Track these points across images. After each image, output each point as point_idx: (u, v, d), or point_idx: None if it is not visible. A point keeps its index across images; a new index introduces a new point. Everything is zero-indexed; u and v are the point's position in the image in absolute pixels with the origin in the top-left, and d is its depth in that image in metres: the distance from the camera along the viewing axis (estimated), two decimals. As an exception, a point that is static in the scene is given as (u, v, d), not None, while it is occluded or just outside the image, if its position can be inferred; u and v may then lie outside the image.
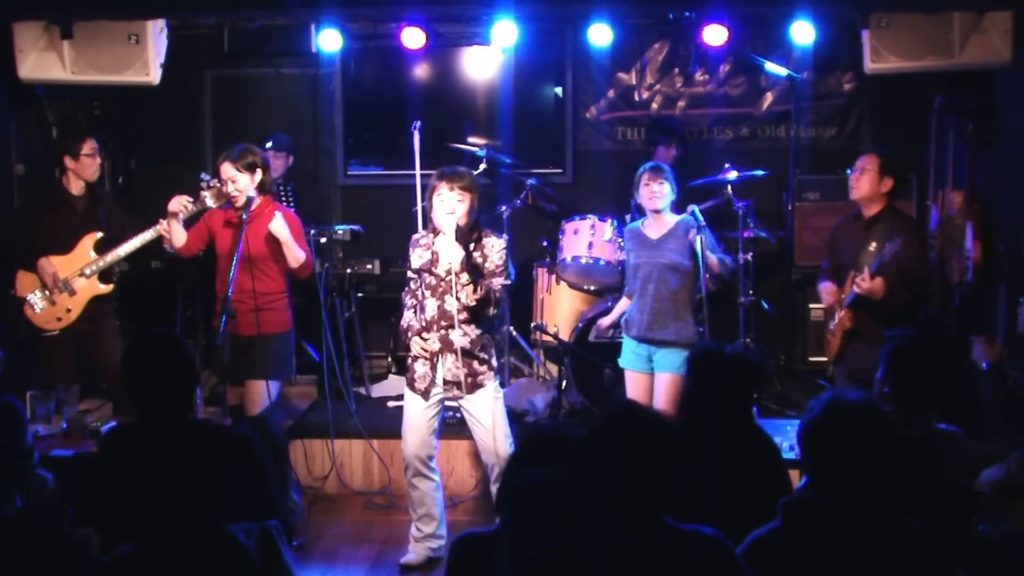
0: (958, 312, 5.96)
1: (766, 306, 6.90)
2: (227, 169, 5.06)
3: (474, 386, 4.76)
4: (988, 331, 4.73)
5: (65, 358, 5.53)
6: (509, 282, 4.83)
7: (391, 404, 6.59)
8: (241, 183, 5.04)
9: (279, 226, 4.99)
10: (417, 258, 4.79)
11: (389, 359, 7.32)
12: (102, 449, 3.62)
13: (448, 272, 4.63)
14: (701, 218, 5.22)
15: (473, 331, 4.74)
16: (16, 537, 2.70)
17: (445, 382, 4.76)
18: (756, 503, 3.13)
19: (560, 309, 6.69)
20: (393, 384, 7.02)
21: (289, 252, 5.03)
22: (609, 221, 6.32)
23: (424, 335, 4.75)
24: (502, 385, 6.55)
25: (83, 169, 5.51)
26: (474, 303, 4.63)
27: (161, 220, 5.22)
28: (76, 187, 5.54)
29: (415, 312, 4.82)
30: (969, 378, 5.32)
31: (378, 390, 6.92)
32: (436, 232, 4.71)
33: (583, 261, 6.28)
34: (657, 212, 5.23)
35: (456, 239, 4.60)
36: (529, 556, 2.48)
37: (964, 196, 5.97)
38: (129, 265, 6.11)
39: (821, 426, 2.66)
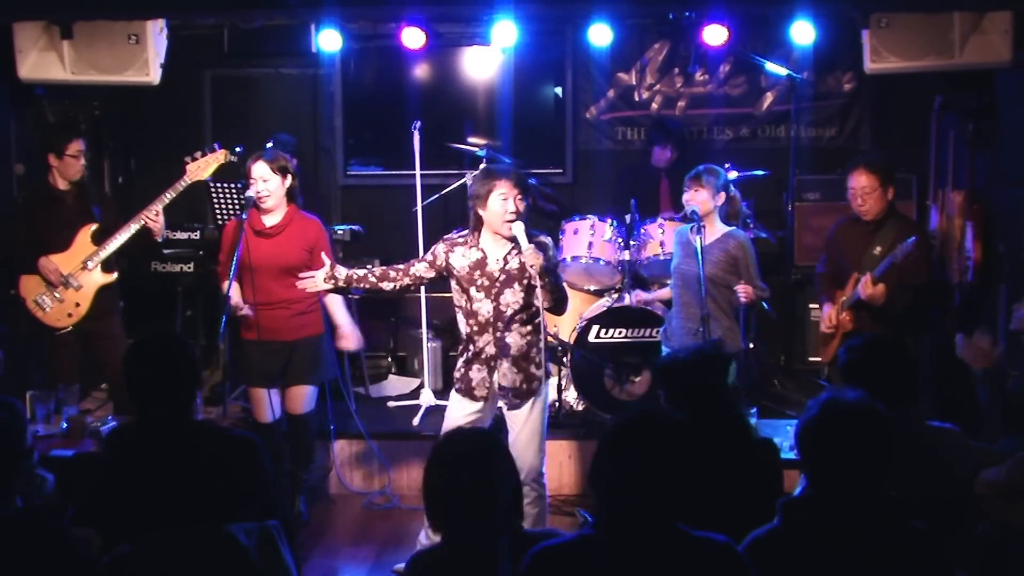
0: (958, 312, 5.96)
1: (766, 306, 6.89)
2: (260, 168, 5.01)
3: (528, 393, 4.50)
4: (976, 328, 4.70)
5: (70, 358, 5.53)
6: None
7: (391, 404, 6.61)
8: (272, 184, 5.01)
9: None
10: (461, 258, 4.49)
11: (389, 359, 7.32)
12: (104, 449, 3.61)
13: (502, 272, 4.43)
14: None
15: (528, 333, 4.50)
16: (16, 537, 2.70)
17: (500, 387, 4.51)
18: (747, 500, 3.14)
19: (560, 309, 6.69)
20: (393, 384, 7.03)
21: None
22: (609, 221, 6.32)
23: (477, 338, 4.49)
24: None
25: (65, 168, 5.49)
26: (550, 305, 4.44)
27: (150, 207, 5.27)
28: (62, 183, 5.53)
29: (462, 316, 4.55)
30: (963, 377, 5.32)
31: (378, 390, 6.91)
32: (478, 231, 4.46)
33: (583, 261, 6.28)
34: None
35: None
36: (537, 551, 2.48)
37: (964, 196, 5.97)
38: (129, 265, 6.11)
39: (819, 426, 2.66)
